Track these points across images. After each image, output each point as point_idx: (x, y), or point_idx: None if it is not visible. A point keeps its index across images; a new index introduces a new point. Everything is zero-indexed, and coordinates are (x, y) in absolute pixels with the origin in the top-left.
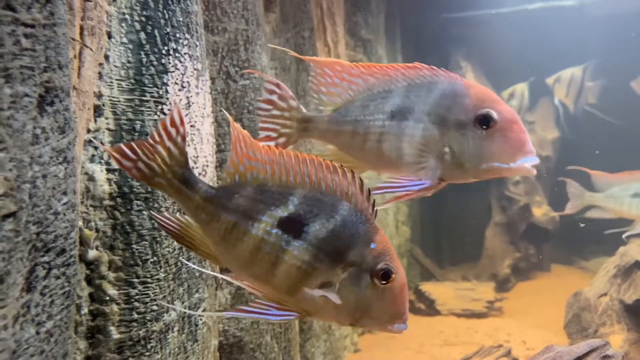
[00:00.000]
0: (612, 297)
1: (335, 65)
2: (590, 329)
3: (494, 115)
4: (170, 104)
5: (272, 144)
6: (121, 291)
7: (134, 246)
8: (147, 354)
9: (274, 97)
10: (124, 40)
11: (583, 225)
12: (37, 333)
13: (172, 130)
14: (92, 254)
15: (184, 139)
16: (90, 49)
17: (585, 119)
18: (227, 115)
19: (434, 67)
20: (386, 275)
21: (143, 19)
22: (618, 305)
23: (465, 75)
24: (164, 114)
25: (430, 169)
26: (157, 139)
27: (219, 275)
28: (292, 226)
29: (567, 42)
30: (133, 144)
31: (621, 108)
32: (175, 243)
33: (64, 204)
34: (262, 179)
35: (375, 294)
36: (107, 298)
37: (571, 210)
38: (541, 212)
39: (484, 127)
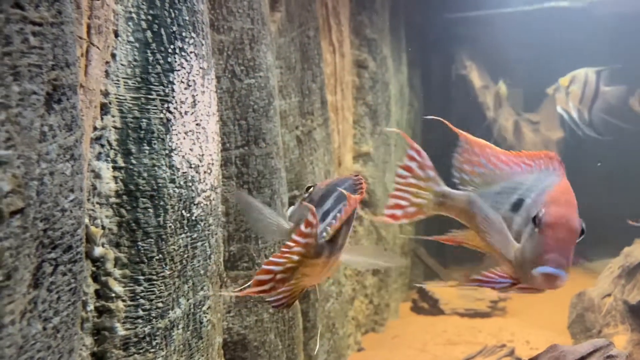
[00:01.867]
0: (616, 298)
1: (486, 148)
2: (594, 329)
3: (541, 214)
4: (176, 102)
5: (399, 212)
6: (127, 288)
7: (139, 243)
8: (152, 350)
9: (414, 165)
10: (131, 38)
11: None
12: (44, 329)
13: (308, 230)
14: (98, 251)
15: (315, 236)
16: (97, 47)
17: (594, 122)
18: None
19: (561, 161)
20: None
21: (149, 17)
22: (622, 305)
23: (469, 75)
24: (170, 112)
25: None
26: (298, 259)
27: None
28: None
29: (572, 41)
30: (262, 276)
31: (630, 111)
32: (180, 241)
33: (71, 201)
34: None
35: None
36: (113, 295)
37: None
38: None
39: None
